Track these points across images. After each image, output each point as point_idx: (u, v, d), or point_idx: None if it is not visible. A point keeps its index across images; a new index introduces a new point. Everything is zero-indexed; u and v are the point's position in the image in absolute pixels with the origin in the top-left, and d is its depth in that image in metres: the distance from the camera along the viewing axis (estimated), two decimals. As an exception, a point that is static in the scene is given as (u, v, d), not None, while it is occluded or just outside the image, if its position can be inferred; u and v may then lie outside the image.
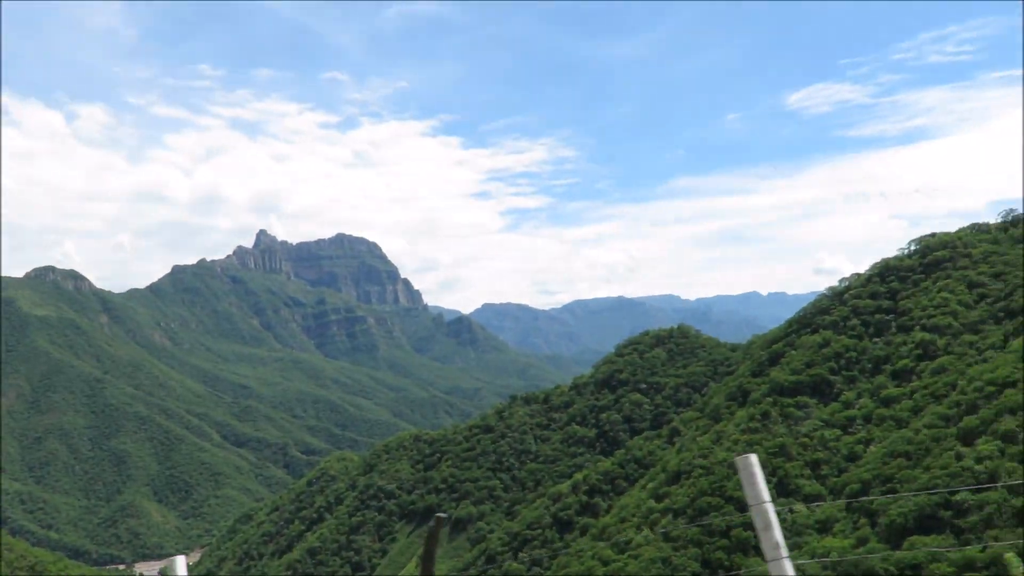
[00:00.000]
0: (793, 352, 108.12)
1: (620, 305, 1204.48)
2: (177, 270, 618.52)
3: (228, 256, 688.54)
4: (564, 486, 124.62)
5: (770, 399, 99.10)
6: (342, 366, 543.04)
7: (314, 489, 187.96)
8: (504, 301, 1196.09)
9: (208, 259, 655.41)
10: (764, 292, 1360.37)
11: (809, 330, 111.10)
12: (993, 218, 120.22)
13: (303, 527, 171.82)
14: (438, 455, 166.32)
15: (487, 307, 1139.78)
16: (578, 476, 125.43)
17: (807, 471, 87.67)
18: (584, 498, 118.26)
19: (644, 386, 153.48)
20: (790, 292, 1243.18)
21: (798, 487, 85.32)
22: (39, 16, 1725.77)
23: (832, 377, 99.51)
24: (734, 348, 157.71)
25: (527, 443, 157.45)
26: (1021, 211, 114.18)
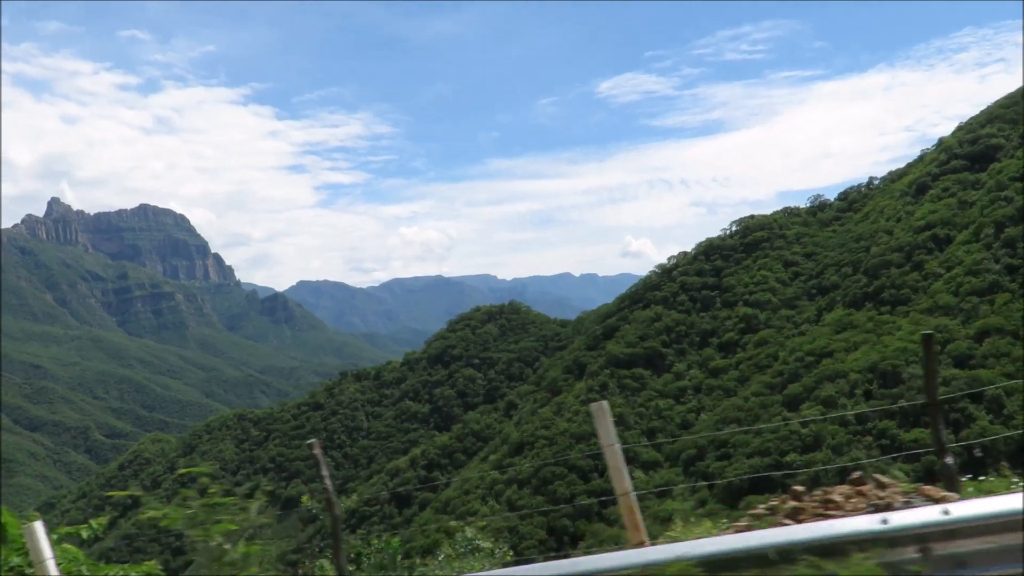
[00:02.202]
0: (627, 326, 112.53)
1: (437, 284, 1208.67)
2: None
3: (16, 225, 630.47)
4: (402, 461, 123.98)
5: (607, 371, 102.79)
6: (147, 344, 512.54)
7: (127, 473, 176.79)
8: (320, 279, 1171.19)
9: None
10: (576, 273, 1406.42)
11: (641, 305, 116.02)
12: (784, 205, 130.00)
13: (116, 514, 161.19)
14: (265, 434, 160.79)
15: (302, 284, 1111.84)
16: (415, 451, 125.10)
17: (644, 439, 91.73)
18: (423, 472, 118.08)
19: (477, 361, 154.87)
20: (601, 273, 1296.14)
21: (636, 455, 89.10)
22: None
23: (664, 350, 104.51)
24: (564, 324, 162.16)
25: (359, 420, 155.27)
26: (828, 198, 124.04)
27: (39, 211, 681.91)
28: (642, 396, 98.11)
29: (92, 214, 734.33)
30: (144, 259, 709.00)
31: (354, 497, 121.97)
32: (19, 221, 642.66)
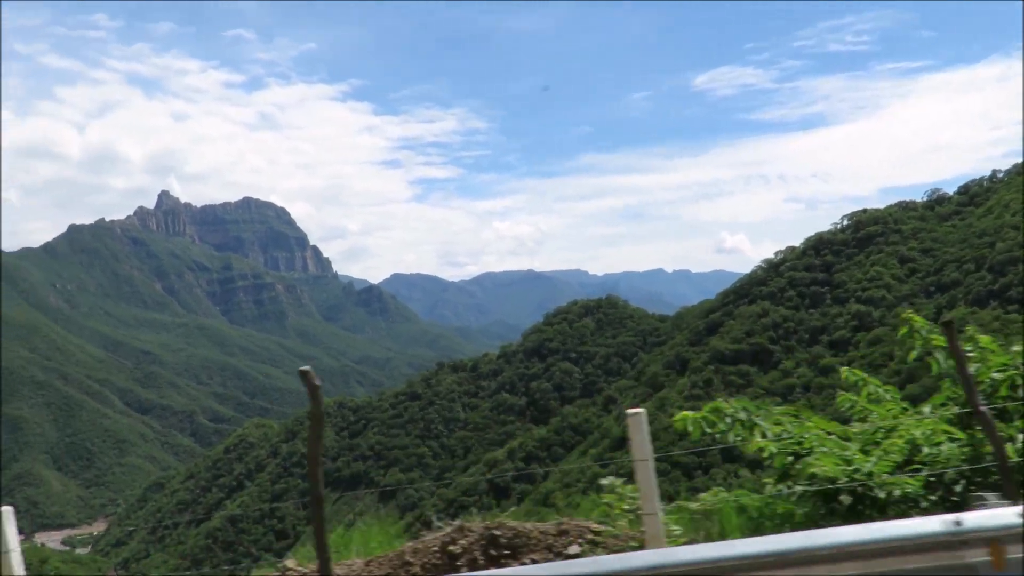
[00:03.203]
0: (732, 322, 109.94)
1: (529, 278, 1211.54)
2: (74, 230, 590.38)
3: (128, 217, 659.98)
4: (500, 452, 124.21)
5: (711, 367, 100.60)
6: (249, 333, 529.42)
7: (231, 456, 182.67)
8: (413, 271, 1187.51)
9: (107, 219, 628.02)
10: (669, 269, 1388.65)
11: (746, 300, 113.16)
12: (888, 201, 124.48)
13: (222, 495, 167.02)
14: (363, 422, 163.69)
15: (396, 277, 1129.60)
16: (513, 443, 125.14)
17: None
18: (520, 464, 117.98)
19: (574, 355, 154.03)
20: (694, 270, 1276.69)
21: (742, 452, 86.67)
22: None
23: (771, 347, 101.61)
24: (663, 319, 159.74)
25: (455, 411, 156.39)
26: (946, 192, 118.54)
27: (150, 204, 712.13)
28: (748, 393, 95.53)
29: (199, 207, 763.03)
30: (247, 250, 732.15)
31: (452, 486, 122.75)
32: (131, 213, 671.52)
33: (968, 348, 6.69)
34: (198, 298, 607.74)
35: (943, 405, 6.94)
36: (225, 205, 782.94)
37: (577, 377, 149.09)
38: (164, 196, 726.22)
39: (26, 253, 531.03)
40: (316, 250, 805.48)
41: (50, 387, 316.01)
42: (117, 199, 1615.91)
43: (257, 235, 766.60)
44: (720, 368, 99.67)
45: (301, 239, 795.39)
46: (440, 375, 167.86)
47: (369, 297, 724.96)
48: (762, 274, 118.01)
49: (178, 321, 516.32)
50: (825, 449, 6.48)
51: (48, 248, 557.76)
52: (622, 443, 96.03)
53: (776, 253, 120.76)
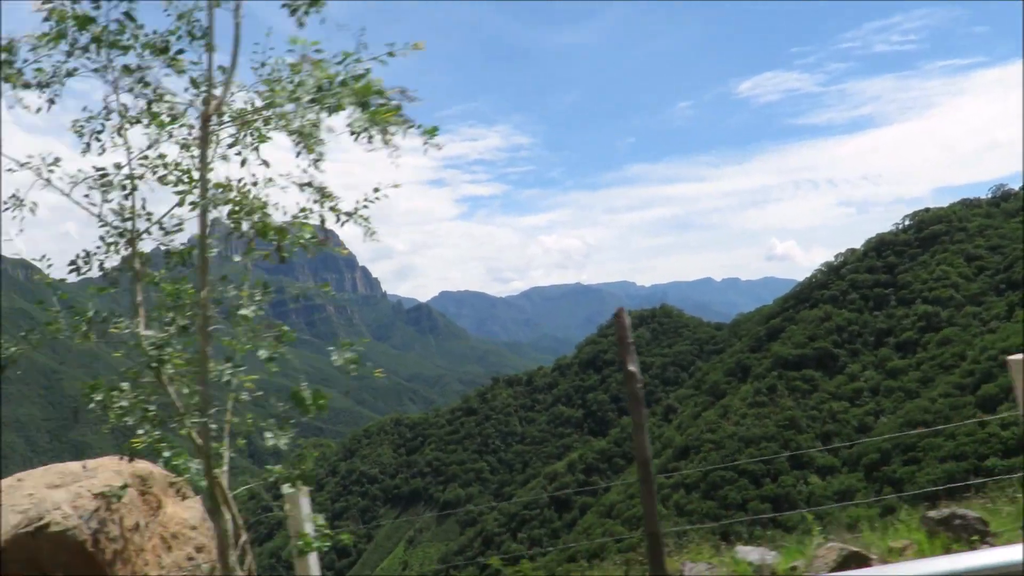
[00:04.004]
0: (793, 327, 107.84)
1: (576, 292, 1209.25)
2: (125, 257, 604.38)
3: (183, 243, 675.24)
4: (559, 465, 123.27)
5: (775, 373, 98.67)
6: (302, 354, 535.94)
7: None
8: (461, 289, 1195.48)
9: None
10: (717, 278, 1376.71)
11: (807, 305, 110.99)
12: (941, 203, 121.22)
13: (282, 515, 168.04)
14: (420, 439, 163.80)
15: (444, 295, 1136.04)
16: (573, 455, 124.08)
17: (818, 443, 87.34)
18: (581, 477, 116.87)
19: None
20: (743, 278, 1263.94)
21: (811, 459, 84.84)
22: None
23: (836, 350, 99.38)
24: (719, 327, 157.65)
25: (512, 425, 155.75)
26: (1012, 187, 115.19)
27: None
28: (813, 398, 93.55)
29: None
30: (298, 273, 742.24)
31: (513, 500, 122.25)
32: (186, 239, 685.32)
33: None
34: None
35: None
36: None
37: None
38: (216, 221, 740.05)
39: (86, 284, 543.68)
40: (365, 271, 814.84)
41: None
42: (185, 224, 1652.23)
43: (307, 257, 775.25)
44: (783, 374, 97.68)
45: (350, 260, 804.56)
46: (495, 390, 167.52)
47: (418, 315, 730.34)
48: (822, 278, 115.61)
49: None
50: None
51: (109, 278, 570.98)
52: (685, 452, 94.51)
53: (836, 256, 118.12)
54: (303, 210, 5.51)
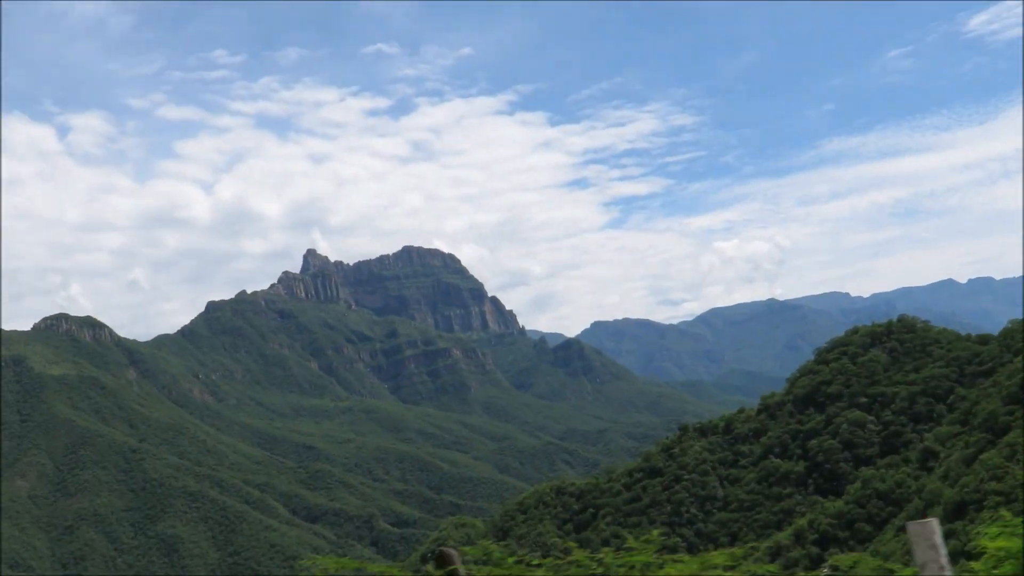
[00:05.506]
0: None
1: (770, 311, 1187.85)
2: (212, 308, 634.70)
3: (272, 285, 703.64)
4: (784, 535, 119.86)
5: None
6: (427, 412, 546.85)
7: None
8: (618, 317, 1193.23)
9: (248, 291, 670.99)
10: (962, 279, 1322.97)
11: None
12: None
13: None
14: (591, 510, 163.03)
15: (598, 326, 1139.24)
16: (800, 522, 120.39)
17: None
18: (814, 550, 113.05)
19: (864, 400, 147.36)
20: (998, 276, 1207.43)
21: None
22: (12, 13, 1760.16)
23: None
24: (984, 339, 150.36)
25: (711, 487, 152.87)
26: None
27: (295, 267, 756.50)
28: None
29: (351, 264, 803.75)
30: (412, 311, 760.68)
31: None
32: (275, 281, 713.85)
33: None
34: (361, 375, 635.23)
35: None
36: (382, 259, 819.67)
37: (873, 428, 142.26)
38: (310, 256, 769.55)
39: (162, 341, 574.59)
40: (495, 302, 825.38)
41: (204, 498, 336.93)
42: (257, 265, 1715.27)
43: (423, 291, 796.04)
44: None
45: (476, 290, 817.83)
46: (684, 442, 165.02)
47: (567, 355, 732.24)
48: None
49: (341, 405, 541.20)
50: None
51: (186, 333, 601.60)
52: (961, 510, 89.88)
53: None
54: None
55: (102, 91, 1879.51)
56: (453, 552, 7.51)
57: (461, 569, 6.93)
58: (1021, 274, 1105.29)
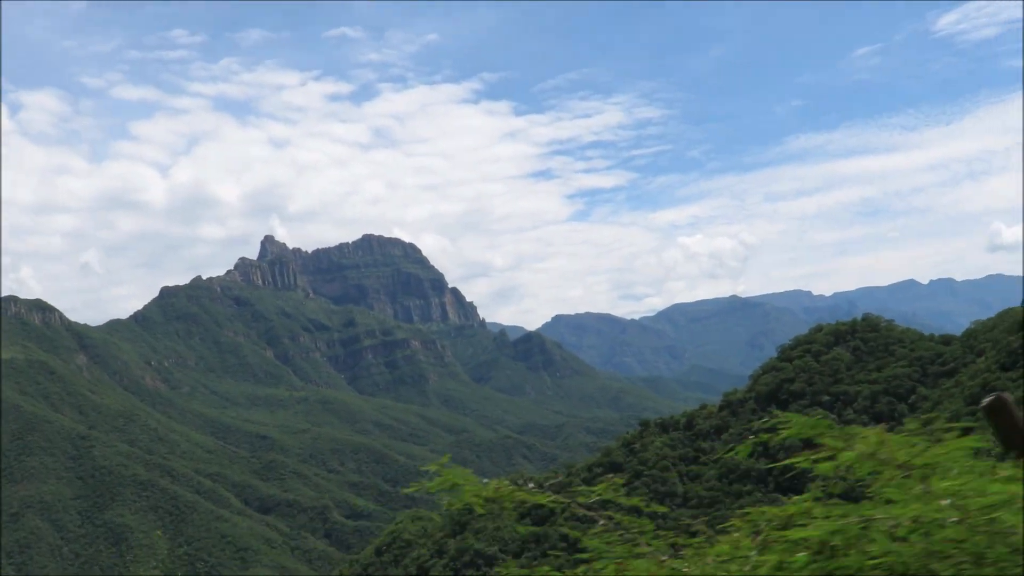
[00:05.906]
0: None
1: (733, 308, 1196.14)
2: (166, 293, 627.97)
3: (229, 272, 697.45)
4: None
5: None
6: (383, 404, 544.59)
7: (385, 559, 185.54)
8: (581, 311, 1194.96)
9: (204, 277, 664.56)
10: (924, 280, 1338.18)
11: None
12: None
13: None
14: (549, 508, 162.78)
15: (560, 319, 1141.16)
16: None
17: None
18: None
19: (827, 398, 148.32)
20: (959, 277, 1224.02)
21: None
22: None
23: None
24: (947, 340, 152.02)
25: (671, 483, 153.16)
26: None
27: (252, 253, 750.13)
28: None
29: (310, 252, 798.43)
30: (371, 301, 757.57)
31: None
32: (231, 267, 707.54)
33: None
34: (318, 365, 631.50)
35: None
36: (341, 247, 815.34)
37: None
38: (268, 243, 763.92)
39: (115, 326, 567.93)
40: (456, 293, 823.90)
41: (155, 487, 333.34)
42: (213, 251, 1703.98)
43: (383, 281, 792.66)
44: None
45: (437, 281, 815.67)
46: (645, 437, 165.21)
47: (528, 348, 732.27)
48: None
49: (297, 395, 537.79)
50: None
51: (139, 318, 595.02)
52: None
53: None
54: None
55: (57, 69, 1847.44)
56: (1009, 398, 6.19)
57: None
58: (981, 276, 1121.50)
